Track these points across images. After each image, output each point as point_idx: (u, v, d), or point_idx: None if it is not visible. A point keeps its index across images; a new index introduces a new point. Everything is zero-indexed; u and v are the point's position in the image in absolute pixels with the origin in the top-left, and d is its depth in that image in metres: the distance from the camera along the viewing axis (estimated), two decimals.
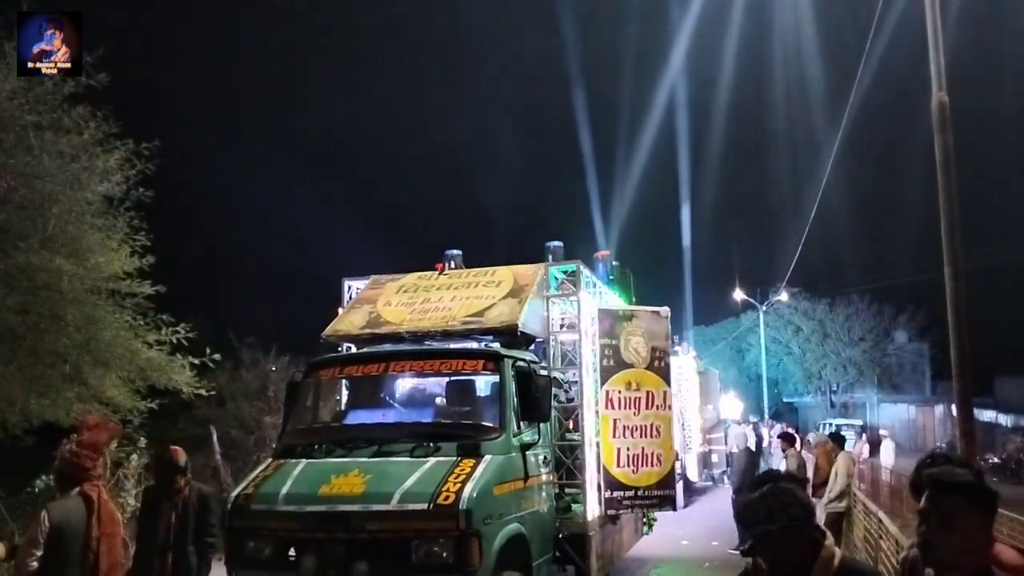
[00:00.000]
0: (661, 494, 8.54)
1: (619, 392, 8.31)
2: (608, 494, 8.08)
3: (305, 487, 5.85)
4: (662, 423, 8.58)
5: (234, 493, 6.13)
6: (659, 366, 8.70)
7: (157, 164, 9.60)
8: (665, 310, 9.03)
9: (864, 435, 29.32)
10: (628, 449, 8.28)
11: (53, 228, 8.76)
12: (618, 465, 8.19)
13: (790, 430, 17.77)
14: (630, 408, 8.37)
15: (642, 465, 8.35)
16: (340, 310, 8.50)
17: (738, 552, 9.09)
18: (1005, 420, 33.96)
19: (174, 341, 10.05)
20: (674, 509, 8.79)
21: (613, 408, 8.25)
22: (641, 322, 8.65)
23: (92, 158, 9.00)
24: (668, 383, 8.78)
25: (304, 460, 6.27)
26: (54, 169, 8.64)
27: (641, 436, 8.37)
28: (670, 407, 8.77)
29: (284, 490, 5.86)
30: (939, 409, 38.41)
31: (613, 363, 8.31)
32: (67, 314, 9.07)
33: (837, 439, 11.65)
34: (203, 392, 10.90)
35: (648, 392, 8.51)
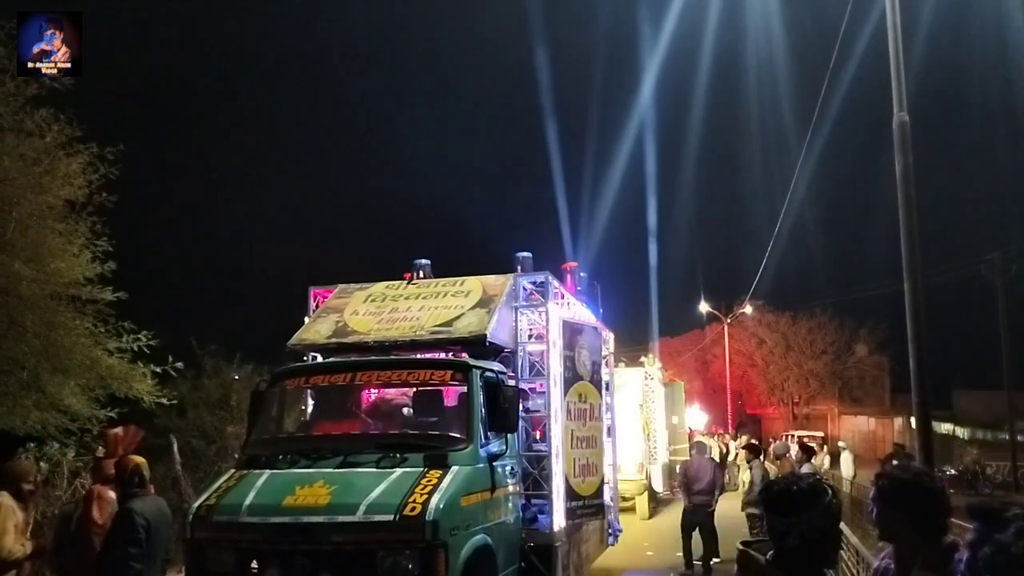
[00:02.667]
0: (598, 503, 8.72)
1: (575, 403, 8.39)
2: (568, 504, 8.10)
3: (269, 498, 5.78)
4: (598, 434, 8.89)
5: (196, 504, 6.02)
6: (596, 379, 9.02)
7: (120, 168, 9.48)
8: (603, 326, 9.41)
9: (825, 447, 29.73)
10: (579, 459, 8.37)
11: (13, 232, 8.60)
12: (575, 475, 8.24)
13: (755, 441, 18.03)
14: (581, 419, 8.49)
15: (587, 475, 8.49)
16: (306, 319, 8.41)
17: (701, 562, 9.06)
18: (962, 432, 34.69)
19: (135, 349, 9.89)
20: (604, 517, 9.12)
21: (572, 419, 8.30)
22: (587, 336, 8.85)
23: (54, 161, 8.86)
24: (601, 395, 9.13)
25: (268, 470, 6.19)
26: (15, 172, 8.49)
27: (587, 447, 8.55)
28: (602, 418, 9.14)
29: (247, 501, 5.78)
30: (898, 421, 39.11)
31: (571, 375, 8.39)
32: (26, 320, 8.89)
33: (806, 450, 11.86)
34: (164, 401, 10.74)
35: (591, 404, 8.73)
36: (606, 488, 9.42)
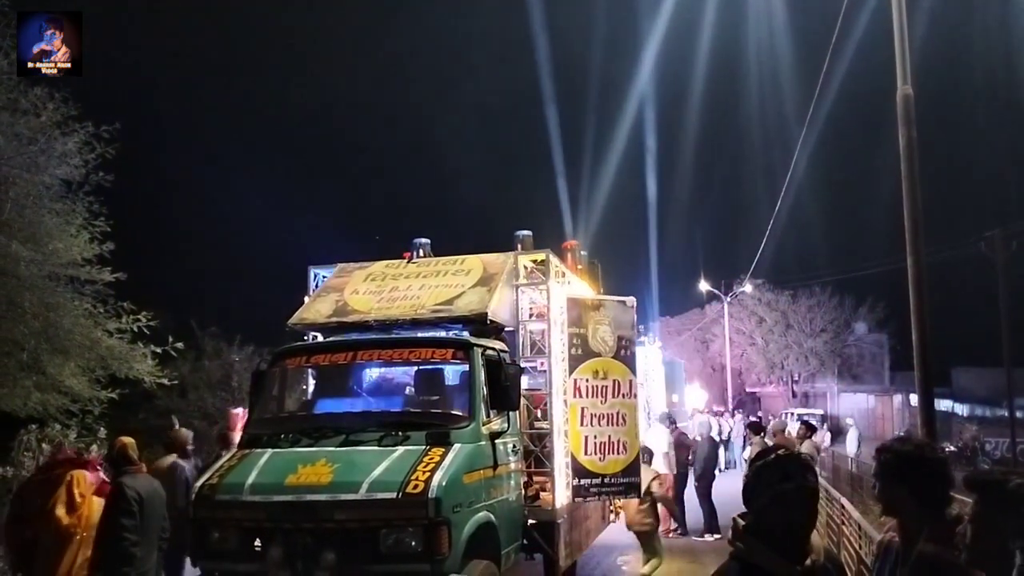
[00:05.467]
0: (627, 481, 8.59)
1: (587, 380, 8.32)
2: (576, 482, 8.09)
3: (271, 477, 5.77)
4: (628, 411, 8.64)
5: (199, 483, 6.02)
6: (625, 355, 8.76)
7: (117, 148, 9.42)
8: (631, 300, 9.10)
9: (825, 424, 29.87)
10: (595, 437, 8.29)
11: (10, 212, 8.57)
12: (585, 453, 8.20)
13: (755, 419, 18.10)
14: (597, 396, 8.39)
15: (609, 453, 8.39)
16: (306, 298, 8.38)
17: (702, 539, 9.15)
18: (961, 409, 34.81)
19: (135, 329, 9.88)
20: (639, 496, 8.92)
21: (581, 396, 8.25)
22: (608, 311, 8.69)
23: (50, 140, 8.82)
24: (634, 372, 8.84)
25: (270, 450, 6.18)
26: (10, 151, 8.45)
27: (608, 424, 8.41)
28: (635, 395, 8.85)
29: (250, 480, 5.77)
30: (897, 398, 39.26)
31: (581, 352, 8.31)
32: (24, 301, 8.87)
33: (809, 427, 11.96)
34: (165, 382, 10.75)
35: (615, 380, 8.55)
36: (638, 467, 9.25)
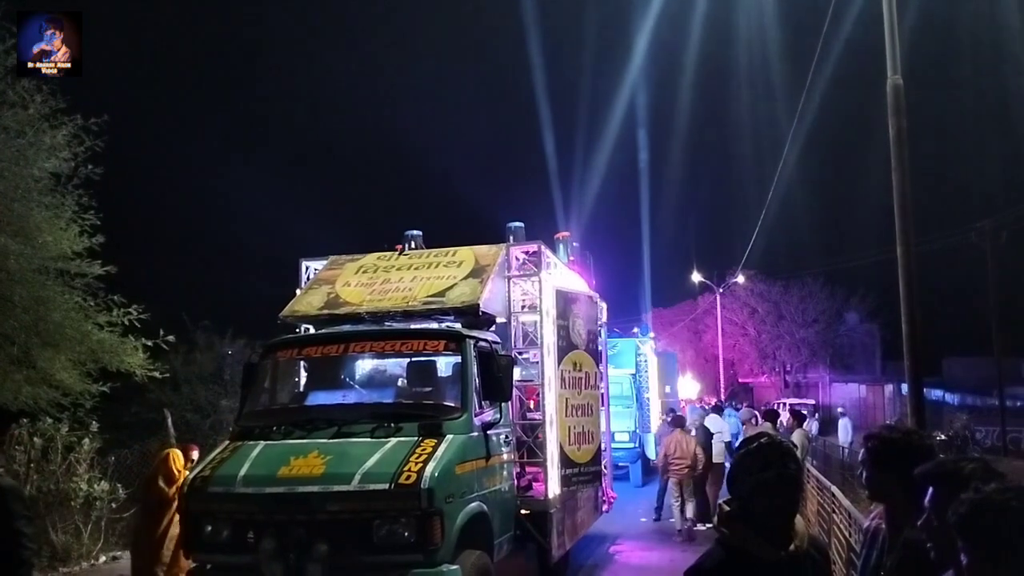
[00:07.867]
0: (594, 470, 8.84)
1: (569, 372, 8.41)
2: (563, 471, 8.14)
3: (264, 469, 5.77)
4: (594, 402, 8.91)
5: (191, 476, 6.02)
6: (593, 348, 9.04)
7: (106, 140, 9.37)
8: (596, 295, 9.46)
9: (816, 414, 30.00)
10: (574, 427, 8.40)
11: None
12: (569, 443, 8.28)
13: (775, 407, 18.27)
14: (575, 388, 8.52)
15: (583, 443, 8.55)
16: (298, 291, 8.37)
17: (703, 527, 9.20)
18: (952, 399, 34.98)
19: (126, 323, 9.85)
20: (600, 484, 9.25)
21: (566, 388, 8.31)
22: (582, 305, 8.83)
23: (38, 133, 8.76)
24: (598, 364, 9.18)
25: (262, 442, 6.17)
26: None
27: (582, 414, 8.59)
28: (599, 386, 9.20)
29: (242, 472, 5.77)
30: (889, 388, 39.41)
31: (565, 344, 8.39)
32: (14, 294, 8.83)
33: (797, 416, 12.03)
34: (157, 375, 10.73)
35: (586, 373, 8.75)
36: (602, 456, 9.49)
